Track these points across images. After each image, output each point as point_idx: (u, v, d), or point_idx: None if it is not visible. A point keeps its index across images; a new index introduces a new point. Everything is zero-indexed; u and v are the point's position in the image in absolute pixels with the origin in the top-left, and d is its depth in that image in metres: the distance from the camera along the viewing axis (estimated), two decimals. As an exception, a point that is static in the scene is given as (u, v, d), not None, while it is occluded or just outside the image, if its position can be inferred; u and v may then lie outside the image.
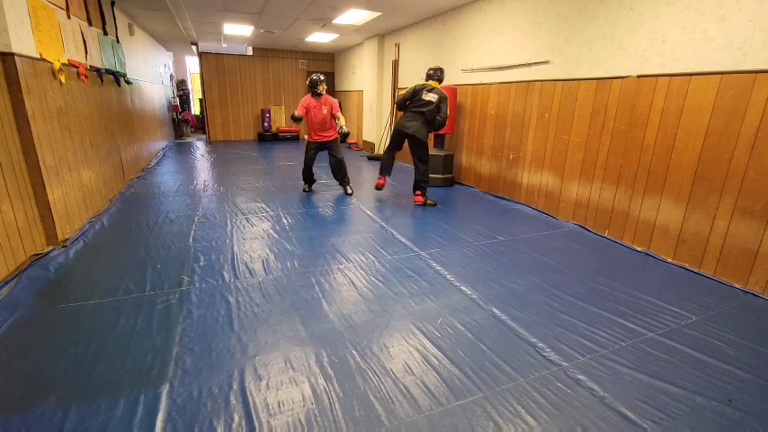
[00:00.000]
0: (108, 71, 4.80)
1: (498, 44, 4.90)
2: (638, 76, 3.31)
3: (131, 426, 1.49)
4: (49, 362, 1.83)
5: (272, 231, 3.68)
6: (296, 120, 4.76)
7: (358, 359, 1.91)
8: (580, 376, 1.82)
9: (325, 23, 6.98)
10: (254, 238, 3.48)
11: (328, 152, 5.06)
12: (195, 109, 13.12)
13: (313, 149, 5.03)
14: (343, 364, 1.87)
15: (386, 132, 8.05)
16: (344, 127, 4.82)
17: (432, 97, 4.38)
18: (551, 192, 4.32)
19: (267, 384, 1.73)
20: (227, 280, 2.69)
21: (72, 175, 3.50)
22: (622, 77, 3.44)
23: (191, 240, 3.38)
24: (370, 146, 8.89)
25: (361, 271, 2.89)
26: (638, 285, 2.74)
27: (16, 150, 2.74)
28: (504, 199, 5.01)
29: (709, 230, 2.92)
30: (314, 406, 1.62)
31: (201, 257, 3.04)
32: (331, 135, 5.01)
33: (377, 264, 3.02)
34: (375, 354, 1.96)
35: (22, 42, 2.79)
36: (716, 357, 1.99)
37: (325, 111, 4.90)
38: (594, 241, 3.61)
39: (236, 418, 1.55)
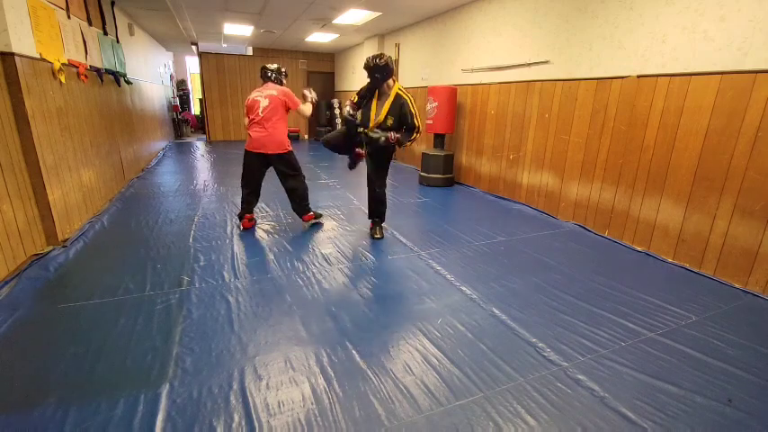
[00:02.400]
0: (108, 71, 4.80)
1: (498, 44, 4.89)
2: (638, 76, 3.31)
3: (131, 426, 1.49)
4: (49, 362, 1.83)
5: (272, 231, 3.68)
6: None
7: (358, 359, 1.91)
8: (580, 376, 1.82)
9: (325, 23, 6.98)
10: (254, 238, 3.48)
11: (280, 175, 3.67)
12: (195, 109, 13.12)
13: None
14: (343, 365, 1.87)
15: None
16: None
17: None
18: (551, 192, 4.32)
19: (267, 384, 1.73)
20: (227, 280, 2.69)
21: (72, 175, 3.50)
22: (622, 77, 3.44)
23: (191, 240, 3.38)
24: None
25: (362, 271, 2.89)
26: (638, 285, 2.74)
27: (16, 150, 2.74)
28: (504, 199, 5.01)
29: (709, 230, 2.92)
30: (314, 406, 1.62)
31: (201, 257, 3.04)
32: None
33: (377, 264, 3.02)
34: (375, 354, 1.96)
35: (22, 42, 2.79)
36: (716, 357, 1.99)
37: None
38: (594, 241, 3.61)
39: (236, 418, 1.55)
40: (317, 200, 4.82)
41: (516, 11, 4.56)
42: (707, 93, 2.85)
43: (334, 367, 1.85)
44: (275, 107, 3.46)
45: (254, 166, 3.57)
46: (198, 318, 2.23)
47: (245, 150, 3.54)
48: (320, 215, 3.97)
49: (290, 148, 3.61)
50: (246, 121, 3.54)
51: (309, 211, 3.82)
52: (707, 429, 1.55)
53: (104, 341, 2.00)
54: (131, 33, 6.40)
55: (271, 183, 5.64)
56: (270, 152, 3.49)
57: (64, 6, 3.60)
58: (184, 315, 2.25)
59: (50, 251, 2.96)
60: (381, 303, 2.45)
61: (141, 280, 2.65)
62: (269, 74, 3.63)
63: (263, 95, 3.48)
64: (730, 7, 2.69)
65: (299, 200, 3.73)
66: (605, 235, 3.71)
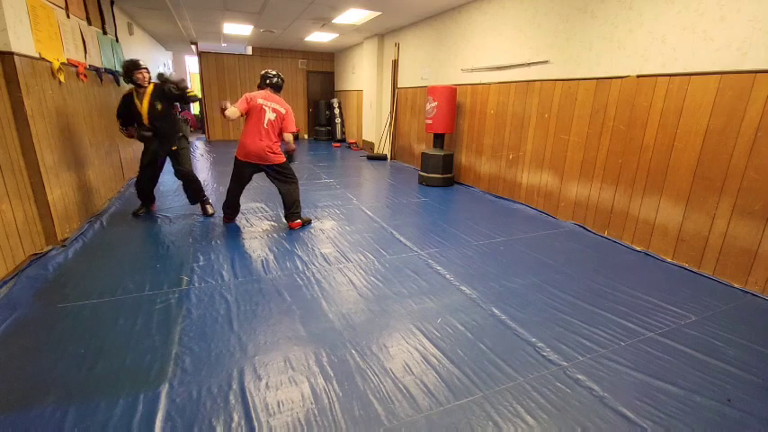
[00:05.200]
0: (107, 70, 4.80)
1: (498, 44, 4.89)
2: (638, 76, 3.31)
3: (131, 425, 1.49)
4: (49, 362, 1.83)
5: (271, 231, 3.67)
6: None
7: (357, 359, 1.91)
8: (579, 376, 1.82)
9: (324, 23, 6.98)
10: (254, 238, 3.48)
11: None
12: (195, 108, 13.10)
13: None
14: (342, 364, 1.87)
15: (385, 132, 8.05)
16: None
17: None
18: (551, 192, 4.33)
19: (267, 384, 1.73)
20: (227, 279, 2.69)
21: (71, 174, 3.49)
22: (622, 77, 3.44)
23: (190, 240, 3.38)
24: (370, 145, 8.88)
25: (361, 271, 2.89)
26: (638, 285, 2.74)
27: (15, 150, 2.73)
28: (503, 199, 5.01)
29: (708, 230, 2.92)
30: (313, 406, 1.62)
31: (201, 257, 3.03)
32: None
33: (376, 263, 3.02)
34: (374, 353, 1.96)
35: (21, 41, 2.79)
36: (715, 357, 1.99)
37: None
38: (594, 241, 3.61)
39: (236, 417, 1.55)
40: (316, 200, 4.82)
41: (516, 11, 4.56)
42: (706, 93, 2.86)
43: (334, 367, 1.85)
44: (278, 125, 3.50)
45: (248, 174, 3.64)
46: (197, 317, 2.23)
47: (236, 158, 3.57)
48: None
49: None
50: (236, 112, 3.32)
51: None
52: (706, 429, 1.56)
53: (104, 341, 1.99)
54: (131, 33, 6.39)
55: (271, 182, 5.64)
56: (266, 164, 3.55)
57: (63, 5, 3.60)
58: (184, 315, 2.25)
59: (49, 251, 2.95)
60: (381, 303, 2.45)
61: (140, 280, 2.64)
62: (274, 80, 3.53)
63: (270, 107, 3.43)
64: (730, 7, 2.69)
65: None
66: (605, 235, 3.71)
